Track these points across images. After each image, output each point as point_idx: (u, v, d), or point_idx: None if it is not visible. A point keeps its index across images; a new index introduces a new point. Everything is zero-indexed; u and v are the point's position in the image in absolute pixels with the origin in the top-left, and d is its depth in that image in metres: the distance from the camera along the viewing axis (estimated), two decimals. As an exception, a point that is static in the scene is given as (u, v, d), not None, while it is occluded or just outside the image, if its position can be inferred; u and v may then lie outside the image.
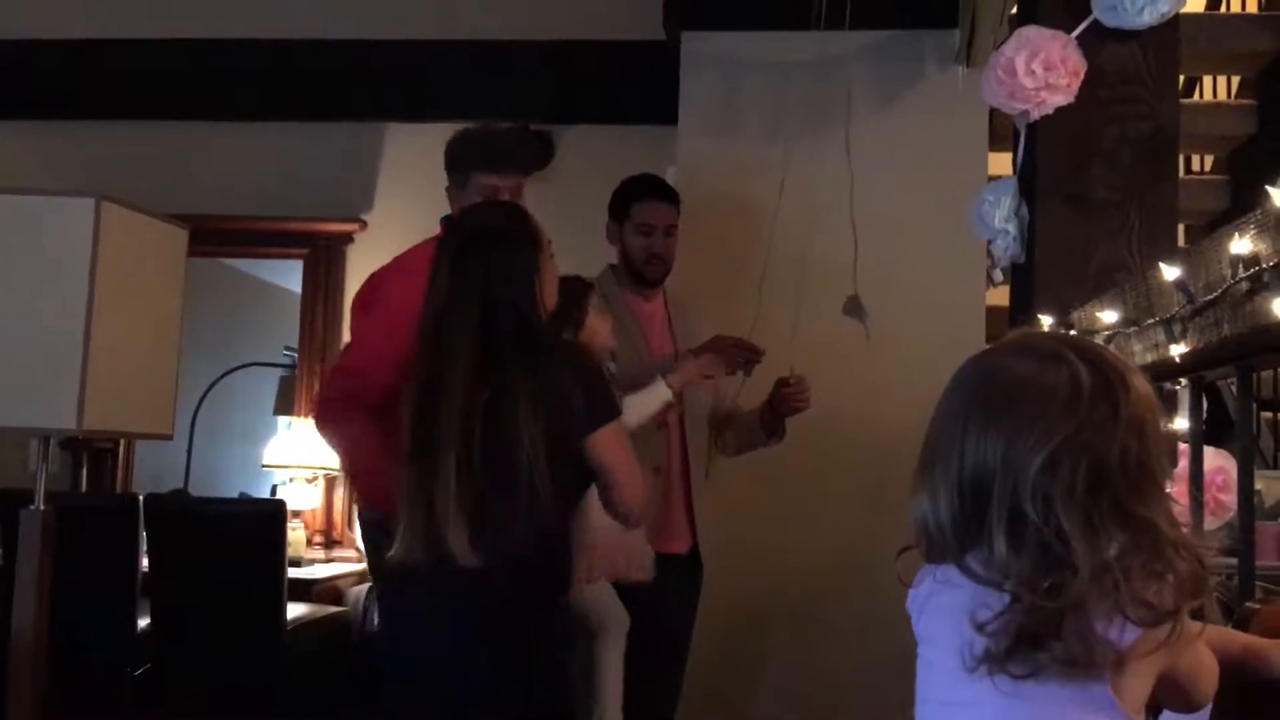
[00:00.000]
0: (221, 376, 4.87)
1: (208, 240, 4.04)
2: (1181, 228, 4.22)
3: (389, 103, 4.39)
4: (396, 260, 2.59)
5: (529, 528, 1.89)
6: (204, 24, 4.43)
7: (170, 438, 2.18)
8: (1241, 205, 3.84)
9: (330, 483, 4.28)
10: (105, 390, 1.88)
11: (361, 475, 2.44)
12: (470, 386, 1.91)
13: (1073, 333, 1.58)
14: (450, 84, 4.33)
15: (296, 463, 4.16)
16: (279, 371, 5.34)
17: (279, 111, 4.42)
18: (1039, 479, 0.96)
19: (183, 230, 2.14)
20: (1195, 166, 4.43)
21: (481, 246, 2.01)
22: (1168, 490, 1.00)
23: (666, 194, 2.87)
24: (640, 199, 2.83)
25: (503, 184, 2.47)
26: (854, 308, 2.73)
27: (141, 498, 3.58)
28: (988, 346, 1.15)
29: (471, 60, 4.31)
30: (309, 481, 4.22)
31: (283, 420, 4.68)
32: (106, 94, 4.48)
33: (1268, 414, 3.85)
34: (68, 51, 4.49)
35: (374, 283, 2.53)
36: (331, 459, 4.14)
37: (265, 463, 4.23)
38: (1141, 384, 1.00)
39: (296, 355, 4.61)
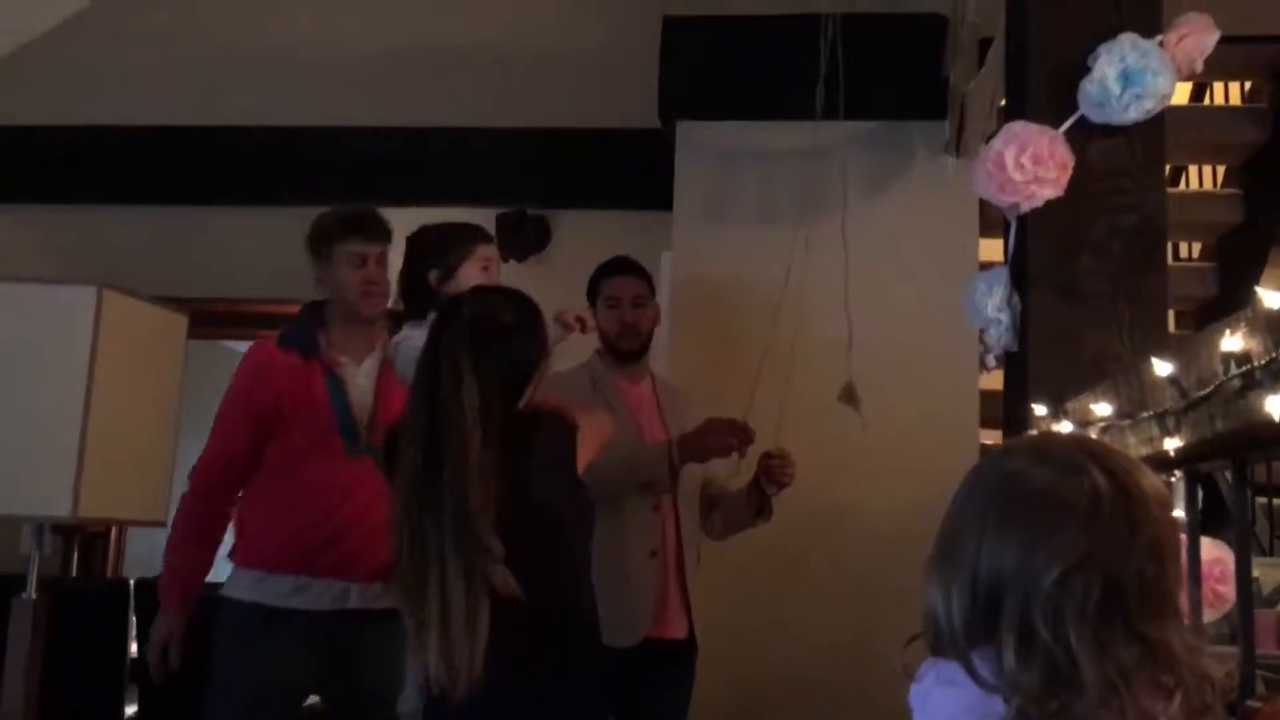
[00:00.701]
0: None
1: (209, 323, 4.06)
2: (1171, 313, 4.26)
3: (388, 187, 4.43)
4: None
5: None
6: (207, 110, 4.50)
7: (163, 525, 2.17)
8: (1230, 292, 3.89)
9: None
10: (101, 478, 1.88)
11: None
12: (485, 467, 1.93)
13: (1088, 432, 1.59)
14: (449, 169, 4.39)
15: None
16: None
17: (281, 196, 4.46)
18: (1052, 594, 0.96)
19: (182, 317, 2.16)
20: (1184, 253, 4.49)
21: (497, 336, 2.04)
22: (1182, 604, 1.00)
23: (630, 268, 2.93)
24: (605, 276, 2.92)
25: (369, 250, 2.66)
26: (849, 396, 2.74)
27: (132, 582, 3.55)
28: (1010, 442, 1.16)
29: (469, 146, 4.37)
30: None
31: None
32: (110, 178, 4.53)
33: (1262, 499, 3.86)
34: (72, 137, 4.54)
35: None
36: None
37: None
38: (1160, 498, 1.01)
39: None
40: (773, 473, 2.71)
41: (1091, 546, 0.96)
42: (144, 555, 4.49)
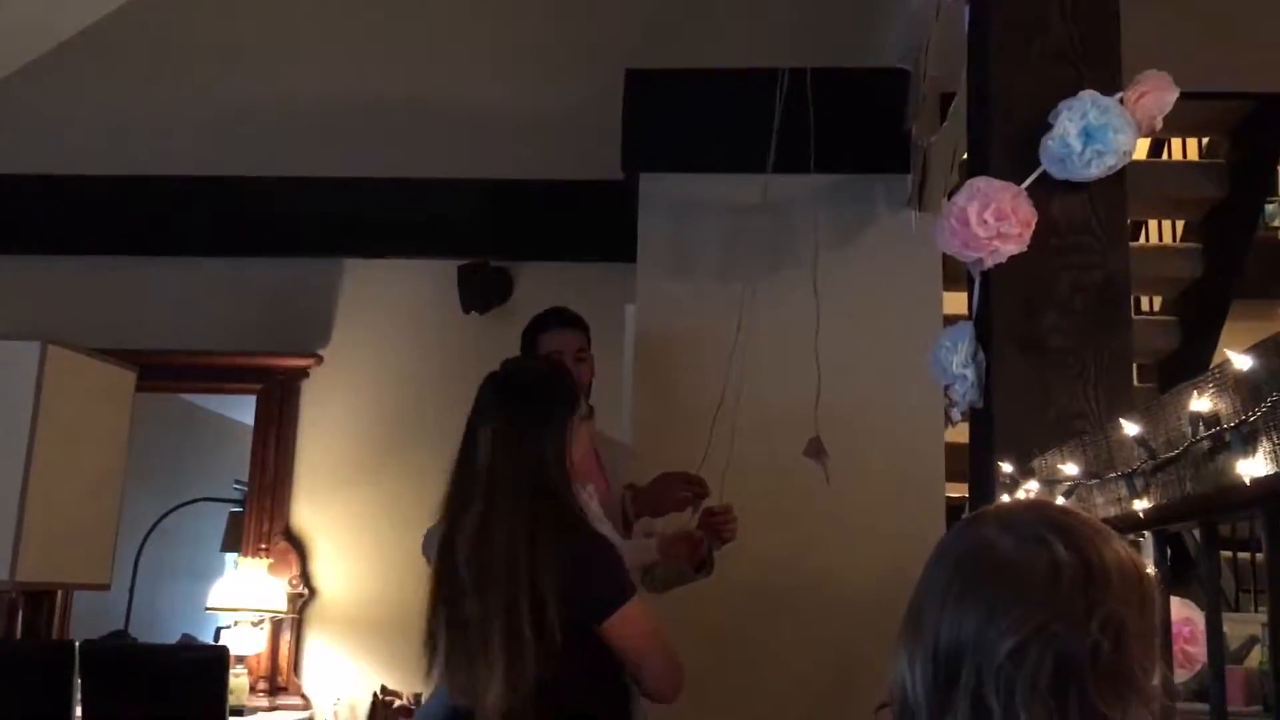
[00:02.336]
0: (167, 513, 4.74)
1: (161, 375, 3.98)
2: (1135, 367, 4.29)
3: (348, 238, 4.40)
4: None
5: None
6: (162, 160, 4.45)
7: (107, 588, 2.10)
8: (1191, 345, 3.92)
9: (276, 626, 4.14)
10: (42, 542, 1.81)
11: None
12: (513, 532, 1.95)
13: (1055, 492, 1.56)
14: (409, 221, 4.36)
15: (242, 605, 4.03)
16: (229, 506, 5.22)
17: (236, 247, 4.42)
18: (1005, 666, 0.94)
19: (130, 372, 2.10)
20: (1145, 306, 4.53)
21: (525, 401, 2.07)
22: (1154, 687, 0.97)
23: (570, 321, 2.88)
24: (544, 330, 2.86)
25: None
26: (815, 450, 2.71)
27: (78, 644, 3.44)
28: (979, 510, 1.14)
29: (431, 197, 4.34)
30: (254, 625, 4.08)
31: (230, 558, 4.55)
32: (57, 228, 4.46)
33: (1227, 553, 3.86)
34: (18, 186, 4.47)
35: None
36: (277, 601, 4.03)
37: (210, 605, 4.09)
38: (1128, 574, 0.99)
39: (247, 490, 4.51)
40: (716, 528, 2.67)
41: (1046, 619, 0.95)
42: (90, 616, 4.36)
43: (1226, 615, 3.10)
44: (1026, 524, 1.03)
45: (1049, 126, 1.87)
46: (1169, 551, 1.58)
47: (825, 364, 3.10)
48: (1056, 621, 0.94)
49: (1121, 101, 1.87)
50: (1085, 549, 0.98)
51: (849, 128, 3.47)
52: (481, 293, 4.25)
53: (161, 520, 4.72)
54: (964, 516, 1.12)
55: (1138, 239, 4.59)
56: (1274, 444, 1.03)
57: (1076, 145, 1.84)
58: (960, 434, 3.07)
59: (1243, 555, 3.78)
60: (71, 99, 4.56)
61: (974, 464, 2.04)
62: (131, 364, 2.12)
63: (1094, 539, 1.01)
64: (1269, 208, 5.44)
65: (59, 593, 4.33)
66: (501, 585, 1.93)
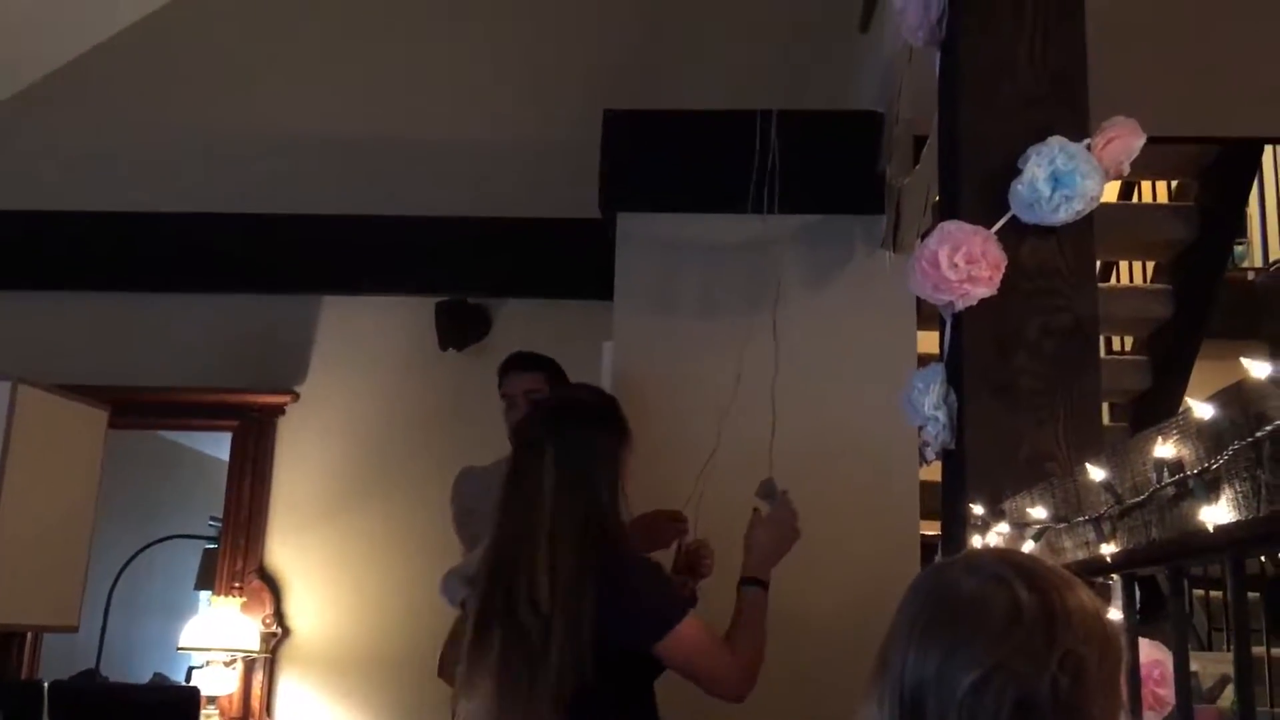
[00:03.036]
0: (140, 550, 4.70)
1: (137, 412, 3.97)
2: (1106, 405, 4.32)
3: (326, 275, 4.40)
4: None
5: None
6: (136, 195, 4.45)
7: (75, 630, 2.07)
8: (1163, 385, 3.95)
9: (249, 665, 4.10)
10: (9, 583, 1.79)
11: None
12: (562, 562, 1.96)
13: (1024, 535, 1.57)
14: (386, 257, 4.37)
15: (214, 644, 3.99)
16: (204, 543, 5.19)
17: (212, 283, 4.41)
18: (966, 702, 0.95)
19: (102, 411, 2.09)
20: (1117, 346, 4.57)
21: (582, 424, 2.09)
22: None
23: (525, 363, 2.96)
24: (504, 375, 2.96)
25: None
26: (767, 492, 2.72)
27: (46, 685, 3.39)
28: (948, 556, 1.16)
29: (407, 234, 4.36)
30: (226, 665, 4.04)
31: (204, 596, 4.51)
32: (30, 264, 4.44)
33: (1200, 591, 3.88)
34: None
35: None
36: (250, 641, 3.99)
37: (181, 645, 4.05)
38: (1089, 618, 1.00)
39: (222, 527, 4.48)
40: (693, 563, 2.68)
41: (1006, 655, 0.96)
42: (61, 654, 4.31)
43: (1199, 655, 3.12)
44: (989, 566, 1.05)
45: (1018, 171, 1.90)
46: (1141, 591, 1.59)
47: (802, 402, 3.11)
48: (1016, 658, 0.96)
49: (1089, 147, 1.89)
50: (1047, 591, 1.00)
51: (824, 169, 3.51)
52: (459, 330, 4.25)
53: (135, 558, 4.68)
54: (933, 562, 1.14)
55: (1109, 280, 4.63)
56: (1236, 491, 1.04)
57: (1045, 190, 1.87)
58: (935, 472, 3.09)
59: (1215, 594, 3.80)
60: (46, 134, 4.56)
61: (946, 505, 2.05)
62: (106, 401, 2.11)
63: (1057, 583, 1.02)
64: (1238, 249, 5.52)
65: (28, 634, 4.28)
66: (565, 616, 1.95)
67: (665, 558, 2.73)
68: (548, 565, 1.97)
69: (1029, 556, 1.12)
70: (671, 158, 3.66)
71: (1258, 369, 0.94)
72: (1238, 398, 1.01)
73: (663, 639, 2.01)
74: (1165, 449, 1.16)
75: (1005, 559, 1.08)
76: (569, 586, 1.96)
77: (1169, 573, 1.32)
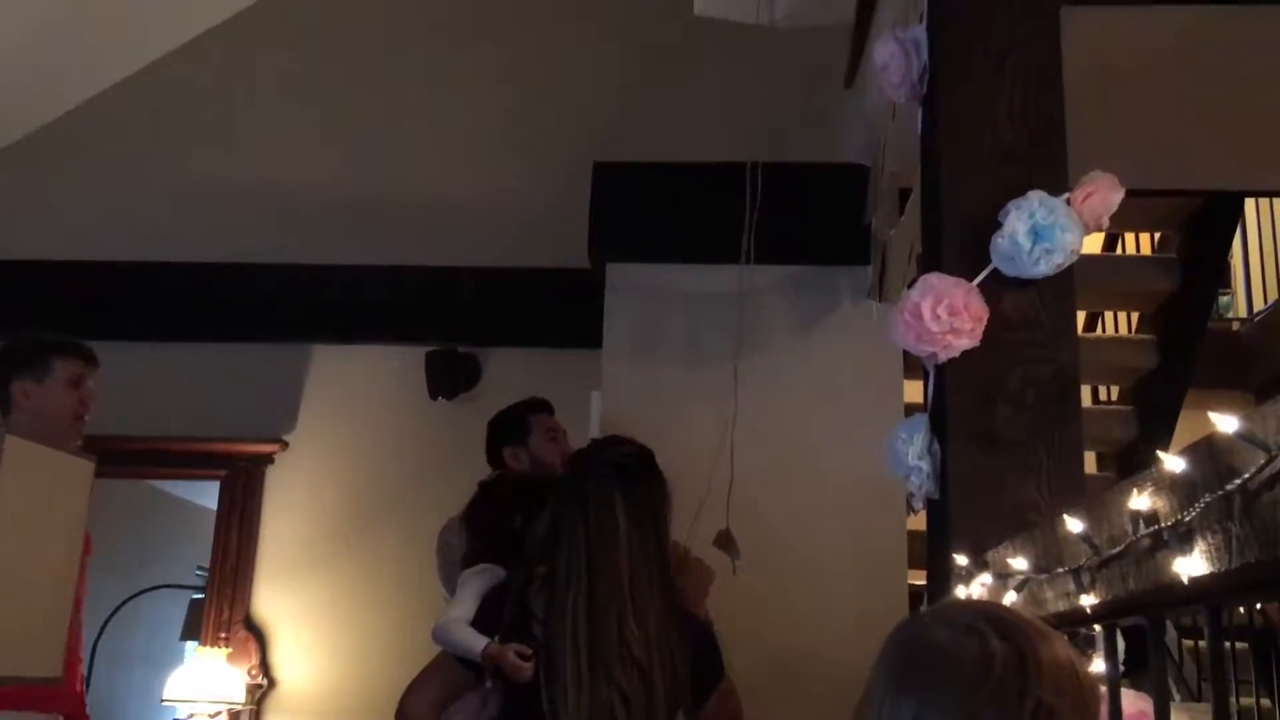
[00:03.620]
0: (126, 600, 4.68)
1: (125, 460, 3.96)
2: (1093, 455, 4.34)
3: (315, 324, 4.42)
4: None
5: None
6: (124, 245, 4.47)
7: (59, 682, 2.06)
8: (1148, 435, 3.97)
9: (234, 717, 4.06)
10: (-9, 633, 1.79)
11: None
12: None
13: (1005, 585, 1.58)
14: (376, 307, 4.39)
15: (199, 696, 3.95)
16: (191, 592, 5.16)
17: (201, 331, 4.42)
18: None
19: (89, 462, 2.09)
20: (1103, 396, 4.59)
21: (645, 476, 2.19)
22: None
23: (550, 407, 3.12)
24: (538, 411, 3.10)
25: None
26: (725, 542, 2.73)
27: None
28: (924, 609, 1.17)
29: (398, 284, 4.38)
30: (212, 717, 4.00)
31: (190, 646, 4.48)
32: (23, 313, 4.43)
33: (1189, 642, 3.87)
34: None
35: None
36: (235, 693, 3.95)
37: (166, 697, 4.01)
38: (1063, 670, 1.01)
39: (208, 577, 4.45)
40: None
41: (977, 706, 0.97)
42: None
43: (1188, 705, 3.11)
44: (963, 617, 1.07)
45: (999, 225, 1.93)
46: (1127, 642, 1.60)
47: (791, 451, 3.12)
48: (988, 708, 0.97)
49: (1069, 201, 1.93)
50: (1020, 642, 1.01)
51: (811, 220, 3.55)
52: (449, 379, 4.26)
53: (121, 607, 4.65)
54: (909, 615, 1.15)
55: (1094, 330, 4.67)
56: (1209, 544, 1.06)
57: (1025, 244, 1.90)
58: (923, 521, 3.10)
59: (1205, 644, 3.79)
60: (35, 186, 4.59)
61: (931, 555, 2.06)
62: (93, 450, 2.12)
63: (1031, 635, 1.03)
64: (1222, 299, 5.57)
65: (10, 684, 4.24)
66: (663, 668, 2.04)
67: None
68: (637, 616, 2.01)
69: (1005, 608, 1.13)
70: (660, 209, 3.70)
71: (1225, 423, 0.96)
72: (1208, 451, 1.03)
73: (718, 686, 2.12)
74: (1140, 501, 1.18)
75: (980, 610, 1.09)
76: (660, 636, 2.00)
77: (1148, 624, 1.33)
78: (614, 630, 2.04)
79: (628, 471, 2.20)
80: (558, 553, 2.16)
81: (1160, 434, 3.94)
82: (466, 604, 2.43)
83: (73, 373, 2.55)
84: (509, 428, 3.02)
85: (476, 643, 2.34)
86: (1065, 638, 1.13)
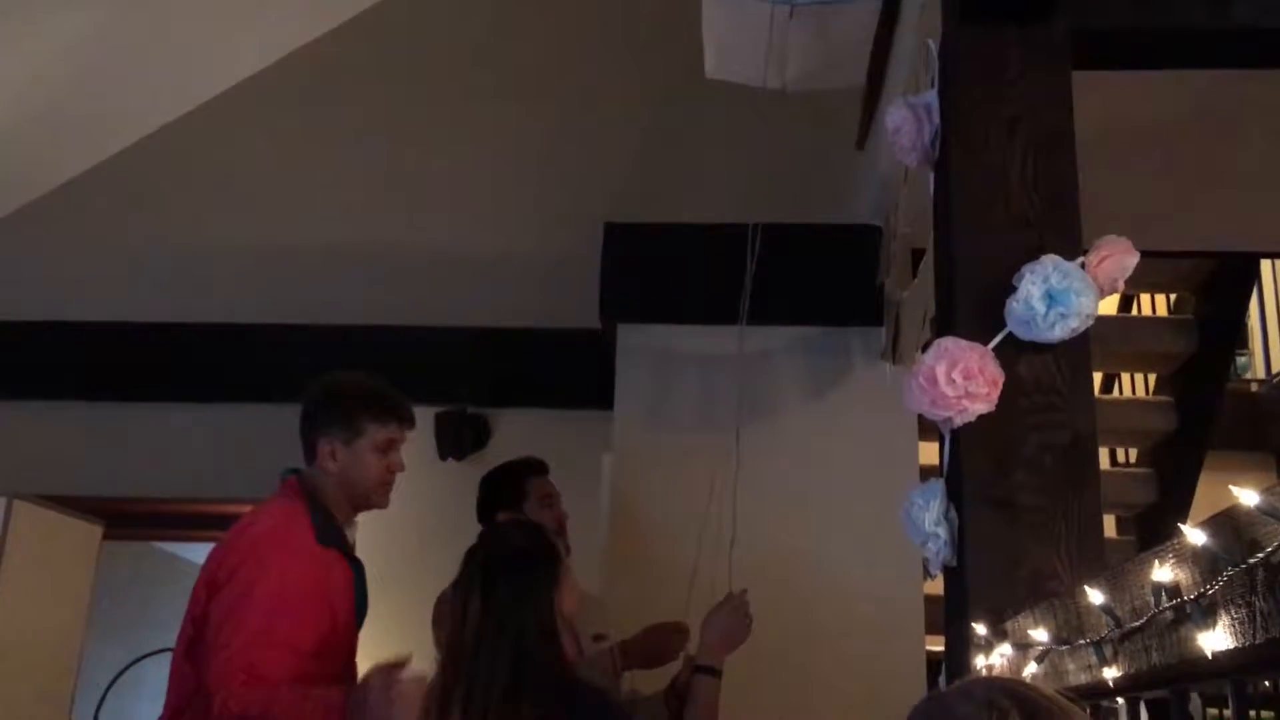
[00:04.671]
0: (132, 663, 4.64)
1: (131, 523, 3.94)
2: (1113, 519, 4.29)
3: (326, 384, 4.41)
4: (268, 532, 2.35)
5: None
6: (132, 306, 4.48)
7: (62, 748, 2.03)
8: (1168, 498, 3.92)
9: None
10: (-6, 699, 1.77)
11: None
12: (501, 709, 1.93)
13: (1026, 656, 1.55)
14: (388, 367, 4.35)
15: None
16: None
17: (210, 393, 4.41)
18: None
19: (97, 526, 2.08)
20: (1121, 459, 4.54)
21: (509, 568, 2.08)
22: None
23: (547, 469, 3.06)
24: (535, 474, 3.03)
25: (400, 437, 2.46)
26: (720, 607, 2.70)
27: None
28: (948, 688, 1.15)
29: (407, 343, 4.37)
30: (217, 782, 3.93)
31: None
32: (25, 374, 4.45)
33: (1214, 710, 3.79)
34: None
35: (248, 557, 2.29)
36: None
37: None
38: None
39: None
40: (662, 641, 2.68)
41: None
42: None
43: (1214, 778, 3.03)
44: (983, 693, 1.04)
45: (1014, 289, 1.92)
46: (1150, 713, 1.56)
47: (804, 514, 3.08)
48: None
49: (1083, 265, 1.91)
50: (1039, 716, 0.98)
51: (824, 281, 3.55)
52: (458, 439, 4.25)
53: (125, 671, 4.61)
54: (935, 685, 1.14)
55: (1111, 391, 4.64)
56: (1233, 618, 1.03)
57: (1040, 308, 1.88)
58: (939, 586, 3.06)
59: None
60: (43, 246, 4.62)
61: (949, 623, 2.02)
62: (100, 512, 2.10)
63: (1054, 711, 1.00)
64: (1240, 360, 5.53)
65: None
66: None
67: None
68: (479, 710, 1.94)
69: (1027, 684, 1.10)
70: (672, 270, 3.70)
71: (1246, 497, 0.93)
72: (1229, 524, 1.00)
73: None
74: (1162, 573, 1.15)
75: (1003, 686, 1.06)
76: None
77: (1173, 697, 1.30)
78: None
79: (486, 568, 2.11)
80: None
81: (1180, 497, 3.89)
82: None
83: (384, 438, 2.44)
84: (505, 491, 2.97)
85: None
86: (1088, 713, 1.10)
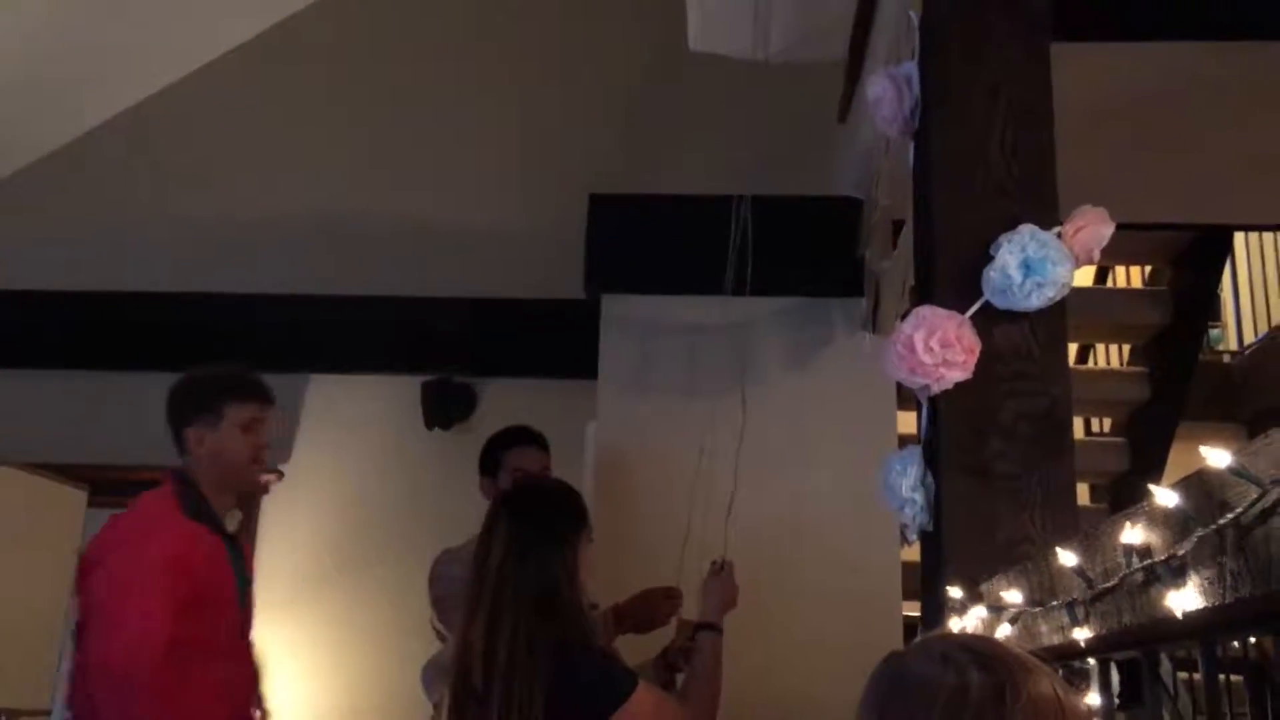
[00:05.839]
0: (118, 631, 4.64)
1: (117, 491, 3.93)
2: (1086, 487, 4.35)
3: (311, 354, 4.42)
4: (137, 512, 2.48)
5: None
6: (119, 275, 4.47)
7: (48, 714, 2.05)
8: (1141, 467, 3.98)
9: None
10: (-18, 664, 1.78)
11: None
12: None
13: (1000, 619, 1.58)
14: (372, 337, 4.39)
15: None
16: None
17: (197, 361, 4.39)
18: None
19: (81, 491, 2.09)
20: (1095, 428, 4.60)
21: (539, 510, 2.16)
22: None
23: (536, 439, 2.95)
24: (510, 447, 2.91)
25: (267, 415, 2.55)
26: (719, 572, 2.73)
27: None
28: (908, 646, 1.18)
29: (394, 314, 4.38)
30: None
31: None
32: (13, 344, 4.44)
33: (1184, 674, 3.86)
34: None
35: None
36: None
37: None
38: (1046, 703, 1.01)
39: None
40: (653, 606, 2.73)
41: None
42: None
43: (1183, 739, 3.09)
44: (943, 649, 1.07)
45: (991, 258, 1.94)
46: (1122, 676, 1.60)
47: (785, 482, 3.12)
48: None
49: (1059, 235, 1.94)
50: (1001, 674, 1.01)
51: (805, 252, 3.57)
52: (445, 409, 4.26)
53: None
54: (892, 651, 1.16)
55: (1086, 362, 4.69)
56: (1202, 578, 1.06)
57: (1017, 277, 1.91)
58: (917, 552, 3.10)
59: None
60: (28, 216, 4.60)
61: (924, 587, 2.06)
62: (86, 480, 2.11)
63: (1014, 668, 1.03)
64: (1213, 332, 5.60)
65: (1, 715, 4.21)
66: (506, 694, 1.98)
67: (666, 634, 2.73)
68: (502, 642, 1.98)
69: (989, 640, 1.13)
70: (656, 241, 3.72)
71: (1217, 458, 0.96)
72: (1200, 486, 1.03)
73: (616, 711, 2.02)
74: (1133, 535, 1.18)
75: (962, 642, 1.09)
76: (517, 665, 1.97)
77: (1144, 658, 1.33)
78: (475, 662, 2.02)
79: (520, 501, 2.19)
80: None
81: (1152, 466, 3.95)
82: (446, 646, 2.40)
83: (247, 417, 2.53)
84: (484, 458, 2.96)
85: (432, 695, 2.32)
86: (1055, 672, 1.13)
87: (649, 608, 2.70)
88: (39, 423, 4.20)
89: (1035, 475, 1.93)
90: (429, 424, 4.27)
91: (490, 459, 2.92)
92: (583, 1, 4.60)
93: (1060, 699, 1.03)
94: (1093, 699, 1.60)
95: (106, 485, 3.50)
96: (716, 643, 2.48)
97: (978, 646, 1.08)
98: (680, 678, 2.66)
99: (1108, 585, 1.26)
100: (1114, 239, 1.96)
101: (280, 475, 4.33)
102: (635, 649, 2.75)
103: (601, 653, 2.17)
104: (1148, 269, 4.40)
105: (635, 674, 2.14)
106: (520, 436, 2.95)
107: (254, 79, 4.71)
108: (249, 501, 4.27)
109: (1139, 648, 1.30)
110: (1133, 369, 4.22)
